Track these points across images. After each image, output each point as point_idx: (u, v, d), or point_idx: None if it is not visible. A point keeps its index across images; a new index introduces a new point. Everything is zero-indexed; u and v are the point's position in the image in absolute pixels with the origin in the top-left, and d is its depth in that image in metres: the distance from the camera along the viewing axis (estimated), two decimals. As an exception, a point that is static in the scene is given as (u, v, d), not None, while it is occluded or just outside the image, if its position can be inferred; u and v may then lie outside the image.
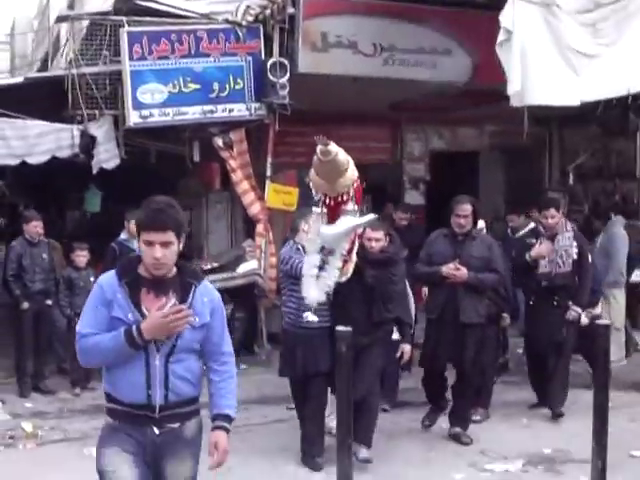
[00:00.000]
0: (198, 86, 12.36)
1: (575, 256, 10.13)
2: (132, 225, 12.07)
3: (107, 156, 12.49)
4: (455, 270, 8.94)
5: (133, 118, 12.12)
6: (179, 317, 4.62)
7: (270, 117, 12.63)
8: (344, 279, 7.67)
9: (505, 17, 10.18)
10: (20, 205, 18.32)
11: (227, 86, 12.47)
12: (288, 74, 12.32)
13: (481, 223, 9.85)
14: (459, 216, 9.10)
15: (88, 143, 12.31)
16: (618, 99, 13.04)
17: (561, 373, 10.22)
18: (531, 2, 10.33)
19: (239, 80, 12.51)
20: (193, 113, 12.35)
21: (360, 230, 7.93)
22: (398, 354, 9.05)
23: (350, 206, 7.13)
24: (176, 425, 4.82)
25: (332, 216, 7.23)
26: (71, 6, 26.15)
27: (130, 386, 4.74)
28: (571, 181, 16.67)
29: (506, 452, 8.75)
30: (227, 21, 12.51)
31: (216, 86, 12.42)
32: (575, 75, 10.53)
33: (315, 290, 7.51)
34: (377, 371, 8.60)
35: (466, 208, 9.11)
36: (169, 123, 12.33)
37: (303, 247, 8.12)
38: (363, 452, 8.28)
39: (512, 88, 10.21)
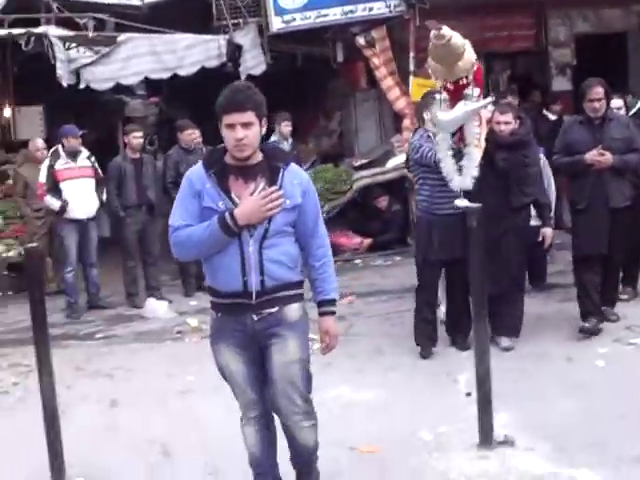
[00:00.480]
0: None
1: None
2: (282, 127, 12.57)
3: (254, 63, 12.92)
4: (600, 156, 8.65)
5: (276, 24, 12.56)
6: (272, 199, 4.63)
7: (410, 12, 12.75)
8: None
9: None
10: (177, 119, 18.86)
11: (366, -17, 12.60)
12: (426, -33, 12.37)
13: (619, 102, 9.80)
14: (592, 100, 8.74)
15: (235, 51, 12.78)
16: None
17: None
18: None
19: (377, -22, 12.61)
20: (334, 14, 12.65)
21: (489, 115, 8.05)
22: (540, 238, 8.84)
23: (470, 90, 7.20)
24: (275, 309, 4.80)
25: (453, 100, 7.27)
26: None
27: (227, 275, 4.76)
28: None
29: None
30: None
31: None
32: None
33: (458, 174, 7.66)
34: (519, 262, 8.59)
35: (598, 91, 8.73)
36: (311, 26, 12.65)
37: (434, 134, 8.05)
38: (505, 340, 8.43)
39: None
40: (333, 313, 5.03)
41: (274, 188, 4.69)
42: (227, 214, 4.64)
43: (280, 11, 12.52)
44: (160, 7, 13.22)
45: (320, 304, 5.02)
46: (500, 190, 8.28)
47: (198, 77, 13.07)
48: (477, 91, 7.34)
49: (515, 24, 16.25)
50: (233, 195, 4.73)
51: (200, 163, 4.89)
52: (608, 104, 8.92)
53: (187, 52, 12.83)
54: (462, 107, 7.30)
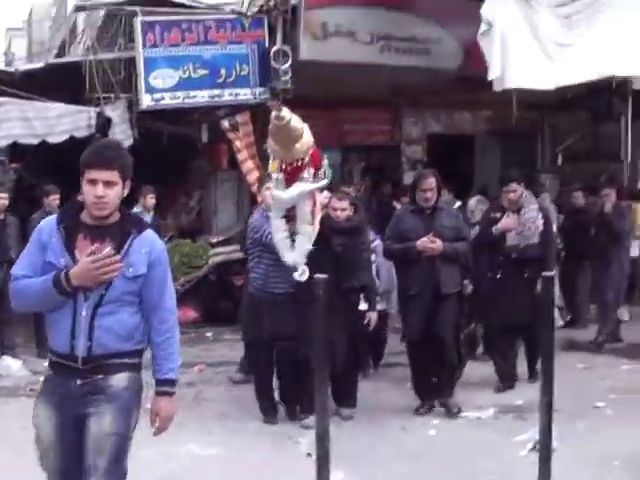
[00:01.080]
0: (206, 72, 13.28)
1: (542, 227, 10.09)
2: (147, 199, 13.02)
3: (121, 137, 13.28)
4: (431, 243, 8.94)
5: (146, 101, 13.06)
6: (107, 264, 4.36)
7: (274, 101, 13.19)
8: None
9: (486, 10, 11.03)
10: (38, 186, 18.99)
11: (233, 72, 13.40)
12: (290, 61, 13.20)
13: (446, 195, 10.66)
14: (425, 190, 9.11)
15: (104, 124, 13.25)
16: (604, 86, 13.98)
17: (537, 345, 9.73)
18: (510, -4, 11.20)
19: (244, 66, 13.44)
20: (202, 97, 13.27)
21: (325, 200, 8.52)
22: (365, 321, 9.04)
23: (306, 172, 7.50)
24: (100, 377, 4.56)
25: (289, 181, 7.52)
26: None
27: (58, 334, 4.58)
28: (560, 162, 17.50)
29: (481, 403, 9.54)
30: (234, 11, 13.49)
31: (223, 72, 13.33)
32: (550, 62, 11.37)
33: (291, 252, 7.81)
34: (349, 342, 8.75)
35: (431, 182, 9.13)
36: (179, 106, 13.22)
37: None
38: (344, 410, 8.89)
39: (493, 74, 11.07)
40: (169, 394, 4.76)
41: (108, 252, 4.40)
42: (62, 272, 4.41)
43: (150, 89, 13.02)
44: (34, 74, 13.69)
45: (156, 383, 4.75)
46: (331, 272, 7.97)
47: (63, 146, 13.39)
48: (312, 173, 7.60)
49: (372, 119, 17.27)
50: (77, 253, 4.50)
51: (55, 215, 4.74)
52: (439, 195, 9.32)
53: (58, 120, 13.24)
54: (298, 187, 7.56)
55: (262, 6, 13.38)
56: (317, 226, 7.98)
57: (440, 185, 9.31)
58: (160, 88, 13.08)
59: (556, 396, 9.21)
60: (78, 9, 16.00)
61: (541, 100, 15.88)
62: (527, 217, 10.05)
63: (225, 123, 13.64)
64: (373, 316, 9.16)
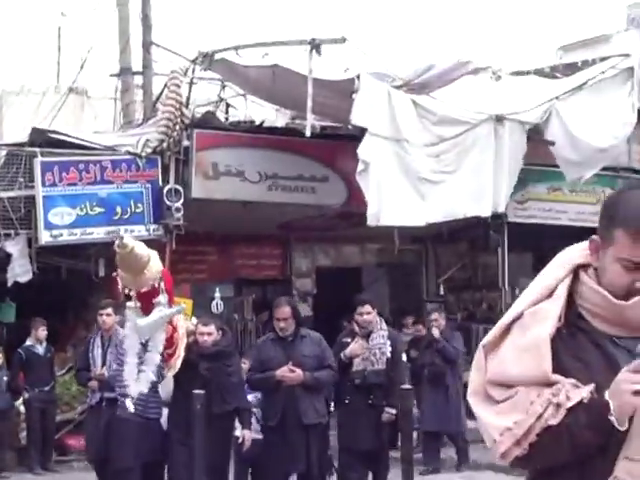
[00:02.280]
0: (103, 209, 13.83)
1: (389, 354, 9.98)
2: (38, 332, 13.50)
3: (21, 271, 13.78)
4: (290, 373, 8.90)
5: (45, 237, 13.54)
6: None
7: (167, 237, 14.06)
8: (171, 373, 7.94)
9: (362, 150, 11.94)
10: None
11: (128, 209, 13.97)
12: (183, 199, 13.86)
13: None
14: (279, 320, 9.13)
15: (3, 259, 13.70)
16: (481, 219, 15.01)
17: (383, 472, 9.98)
18: (384, 137, 12.15)
19: (139, 204, 14.01)
20: (98, 233, 13.74)
21: (192, 327, 8.64)
22: (240, 440, 9.07)
23: (161, 298, 7.16)
24: None
25: (146, 309, 7.19)
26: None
27: None
28: (442, 292, 18.40)
29: None
30: (129, 152, 14.08)
31: (119, 209, 13.89)
32: (421, 200, 12.32)
33: (136, 383, 7.66)
34: (221, 463, 9.03)
35: (285, 311, 9.17)
36: (77, 242, 13.72)
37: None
38: None
39: (371, 210, 11.94)
40: None
41: None
42: None
43: (49, 226, 13.50)
44: None
45: None
46: (203, 397, 8.51)
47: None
48: (166, 298, 7.21)
49: (263, 254, 17.99)
50: None
51: None
52: (298, 323, 9.33)
53: (-42, 255, 13.67)
54: (157, 313, 7.16)
55: (156, 147, 14.00)
56: (181, 353, 7.72)
57: (297, 313, 9.44)
58: (58, 225, 13.53)
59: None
60: (-21, 150, 16.64)
61: (424, 233, 16.82)
62: (374, 343, 9.99)
63: (121, 258, 14.10)
64: (247, 434, 9.08)
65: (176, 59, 15.26)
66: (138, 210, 14.06)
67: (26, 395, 13.39)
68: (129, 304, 7.18)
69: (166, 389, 8.98)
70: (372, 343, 9.98)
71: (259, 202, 14.66)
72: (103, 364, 10.56)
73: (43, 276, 14.27)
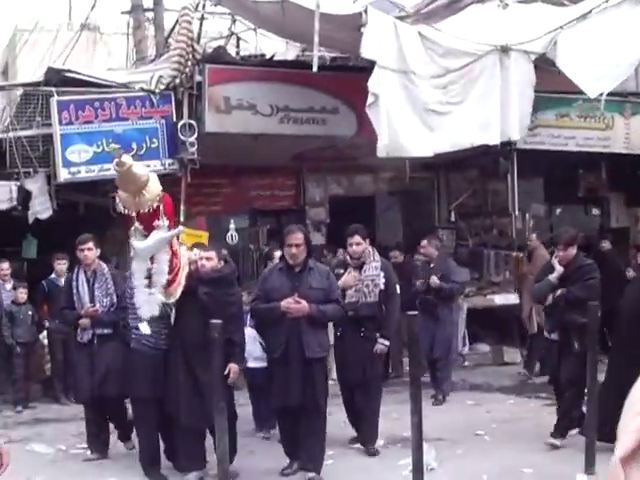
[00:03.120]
0: (119, 146, 14.08)
1: (382, 286, 9.95)
2: (59, 265, 13.87)
3: (41, 208, 14.23)
4: (295, 304, 8.64)
5: (63, 174, 13.84)
6: None
7: (182, 171, 14.40)
8: (172, 300, 8.13)
9: (372, 83, 12.16)
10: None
11: (144, 145, 14.26)
12: (196, 133, 14.16)
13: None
14: (291, 245, 8.79)
15: (24, 197, 14.12)
16: (491, 146, 15.27)
17: (371, 411, 10.07)
18: (392, 70, 12.38)
19: (154, 140, 14.31)
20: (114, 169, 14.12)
21: (195, 257, 8.63)
22: (225, 372, 8.52)
23: (161, 221, 7.48)
24: None
25: (147, 230, 7.50)
26: (5, 71, 28.03)
27: None
28: (453, 219, 18.73)
29: None
30: (142, 89, 14.33)
31: (134, 145, 14.15)
32: (429, 131, 12.55)
33: (147, 304, 7.88)
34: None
35: (298, 237, 8.85)
36: (94, 178, 14.00)
37: None
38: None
39: (381, 142, 12.19)
40: None
41: None
42: None
43: (67, 163, 13.79)
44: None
45: None
46: (199, 324, 8.42)
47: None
48: (167, 222, 7.57)
49: (277, 185, 18.30)
50: None
51: None
52: (309, 253, 9.00)
53: (-20, 194, 14.06)
54: (155, 235, 7.50)
55: (169, 83, 14.23)
56: (182, 280, 8.09)
57: (309, 242, 9.12)
58: (76, 162, 13.81)
59: (443, 428, 10.49)
60: (-3, 88, 17.00)
61: (435, 161, 17.09)
62: (367, 274, 9.98)
63: (136, 192, 14.43)
64: (234, 368, 8.66)
65: (187, -6, 15.47)
66: (153, 145, 14.33)
67: (48, 326, 13.79)
68: (133, 226, 7.60)
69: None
70: (365, 275, 9.98)
71: (271, 134, 14.86)
72: (91, 301, 10.17)
73: (63, 212, 14.65)
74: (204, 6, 14.96)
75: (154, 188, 7.42)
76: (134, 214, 7.49)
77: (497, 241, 18.05)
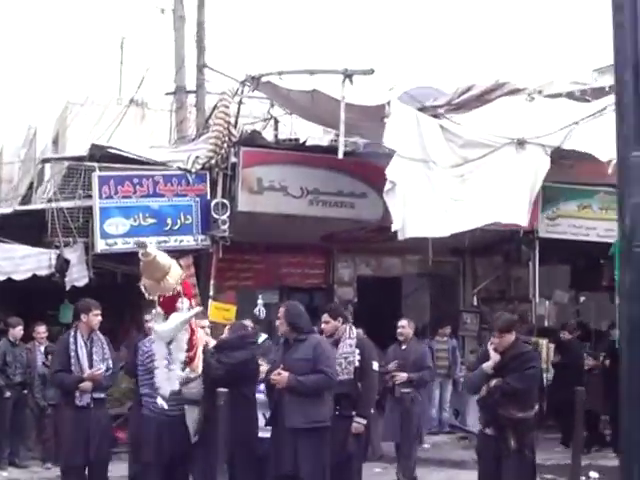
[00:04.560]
0: (154, 220, 14.80)
1: (357, 363, 10.00)
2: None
3: (79, 276, 14.93)
4: (277, 375, 8.96)
5: (100, 245, 14.53)
6: None
7: (213, 247, 15.02)
8: (193, 375, 8.59)
9: (390, 171, 12.77)
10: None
11: (178, 221, 14.92)
12: (229, 212, 14.83)
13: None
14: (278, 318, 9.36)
15: (62, 265, 14.79)
16: (513, 234, 15.81)
17: None
18: (412, 159, 13.02)
19: (188, 216, 14.97)
20: (150, 242, 14.62)
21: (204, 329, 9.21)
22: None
23: (180, 303, 7.90)
24: None
25: (167, 313, 7.94)
26: (55, 141, 29.04)
27: None
28: (475, 303, 19.19)
29: None
30: (179, 168, 15.09)
31: (169, 221, 14.85)
32: (446, 214, 13.06)
33: (167, 381, 8.21)
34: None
35: (280, 311, 9.38)
36: (130, 250, 14.55)
37: None
38: None
39: (395, 226, 12.78)
40: None
41: None
42: None
43: (105, 235, 14.48)
44: (2, 219, 15.31)
45: None
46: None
47: (26, 285, 14.94)
48: (187, 303, 8.04)
49: (307, 263, 18.87)
50: None
51: None
52: (294, 328, 9.19)
53: (22, 261, 14.79)
54: (175, 318, 7.91)
55: (205, 163, 14.97)
56: (200, 355, 8.49)
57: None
58: (113, 234, 14.47)
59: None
60: (44, 161, 17.89)
61: (461, 246, 17.64)
62: (341, 352, 10.05)
63: (170, 265, 15.01)
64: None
65: (226, 80, 16.34)
66: (187, 222, 14.98)
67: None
68: (153, 310, 8.14)
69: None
70: (338, 352, 10.02)
71: (300, 216, 15.49)
72: (89, 365, 10.30)
73: (100, 280, 15.26)
74: (242, 91, 15.68)
75: (175, 273, 7.82)
76: (156, 299, 7.93)
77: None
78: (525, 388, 8.67)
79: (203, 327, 9.14)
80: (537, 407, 8.87)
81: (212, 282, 15.21)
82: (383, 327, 14.55)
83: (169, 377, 8.23)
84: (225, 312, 14.94)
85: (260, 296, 16.64)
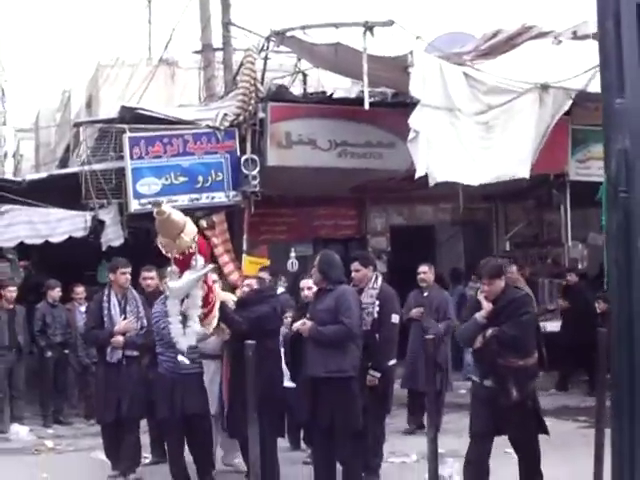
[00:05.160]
0: (186, 179, 15.02)
1: (376, 315, 9.63)
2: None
3: (114, 236, 15.20)
4: (301, 325, 8.98)
5: (134, 205, 14.80)
6: None
7: (245, 202, 15.28)
8: (211, 330, 8.64)
9: (413, 120, 12.91)
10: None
11: (209, 178, 15.14)
12: (259, 167, 15.02)
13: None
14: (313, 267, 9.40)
15: (97, 226, 15.09)
16: (544, 179, 15.82)
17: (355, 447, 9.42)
18: (437, 108, 13.12)
19: (219, 173, 15.18)
20: (182, 200, 14.81)
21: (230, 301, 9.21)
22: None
23: (194, 261, 7.95)
24: None
25: (181, 270, 8.01)
26: (89, 103, 29.29)
27: None
28: (507, 248, 19.28)
29: (408, 450, 11.14)
30: (208, 126, 15.23)
31: (200, 178, 15.07)
32: (474, 162, 13.18)
33: (183, 337, 8.29)
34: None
35: (315, 259, 9.39)
36: (162, 208, 14.98)
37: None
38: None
39: (419, 172, 12.91)
40: None
41: None
42: None
43: (137, 195, 14.73)
44: (38, 184, 15.61)
45: None
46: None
47: (64, 245, 15.24)
48: (202, 260, 8.05)
49: (340, 215, 19.06)
50: None
51: None
52: (326, 278, 8.99)
53: (58, 223, 15.08)
54: (188, 276, 7.94)
55: (233, 120, 15.13)
56: (217, 313, 8.52)
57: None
58: (146, 194, 14.68)
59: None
60: (76, 125, 18.11)
61: (493, 192, 17.70)
62: (362, 303, 9.61)
63: (203, 222, 14.86)
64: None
65: (252, 37, 16.45)
66: (218, 179, 15.18)
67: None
68: (169, 268, 8.21)
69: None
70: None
71: (330, 168, 15.65)
72: None
73: (135, 239, 15.53)
74: (268, 47, 15.79)
75: (190, 231, 7.90)
76: (172, 256, 7.98)
77: (551, 270, 18.54)
78: (522, 335, 8.23)
79: (214, 282, 8.94)
80: (537, 354, 8.39)
81: (245, 237, 15.42)
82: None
83: (185, 332, 8.28)
84: (258, 265, 15.10)
85: (292, 249, 16.84)
